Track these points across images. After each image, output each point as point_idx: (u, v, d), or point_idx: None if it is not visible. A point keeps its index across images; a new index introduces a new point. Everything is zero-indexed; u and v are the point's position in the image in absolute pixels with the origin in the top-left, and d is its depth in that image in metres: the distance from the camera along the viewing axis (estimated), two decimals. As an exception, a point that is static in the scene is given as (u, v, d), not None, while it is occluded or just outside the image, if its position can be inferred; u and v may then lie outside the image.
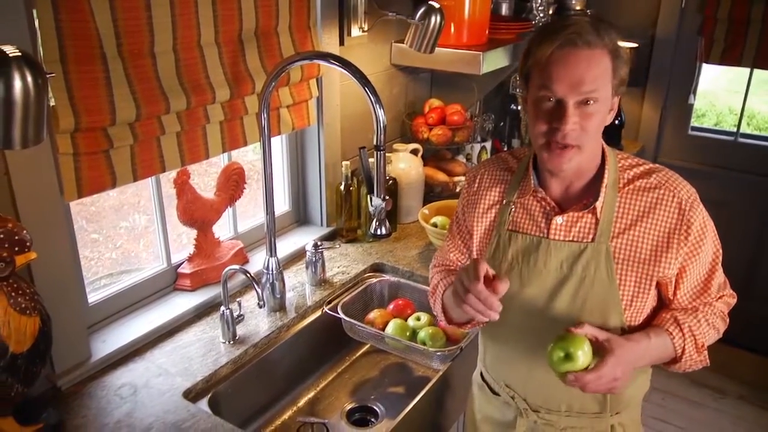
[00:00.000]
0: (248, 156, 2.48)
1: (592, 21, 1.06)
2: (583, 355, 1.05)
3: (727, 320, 1.23)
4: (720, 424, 2.73)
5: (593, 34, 1.03)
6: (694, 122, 3.06)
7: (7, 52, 0.85)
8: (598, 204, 1.12)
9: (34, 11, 1.15)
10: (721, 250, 1.18)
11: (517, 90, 2.69)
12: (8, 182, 1.15)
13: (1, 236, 1.05)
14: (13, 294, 1.06)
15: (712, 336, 1.19)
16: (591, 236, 1.13)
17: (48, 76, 0.90)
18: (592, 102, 1.05)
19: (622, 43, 1.09)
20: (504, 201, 1.22)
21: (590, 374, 1.05)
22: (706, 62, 2.83)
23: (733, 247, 1.17)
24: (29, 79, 0.87)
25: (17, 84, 0.86)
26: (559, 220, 1.15)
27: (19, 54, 0.86)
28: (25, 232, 1.07)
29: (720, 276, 1.20)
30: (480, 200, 1.25)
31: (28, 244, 1.08)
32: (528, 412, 1.25)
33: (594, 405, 1.22)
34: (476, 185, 1.28)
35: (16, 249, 1.06)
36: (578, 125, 1.05)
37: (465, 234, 1.31)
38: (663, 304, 1.21)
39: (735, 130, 2.94)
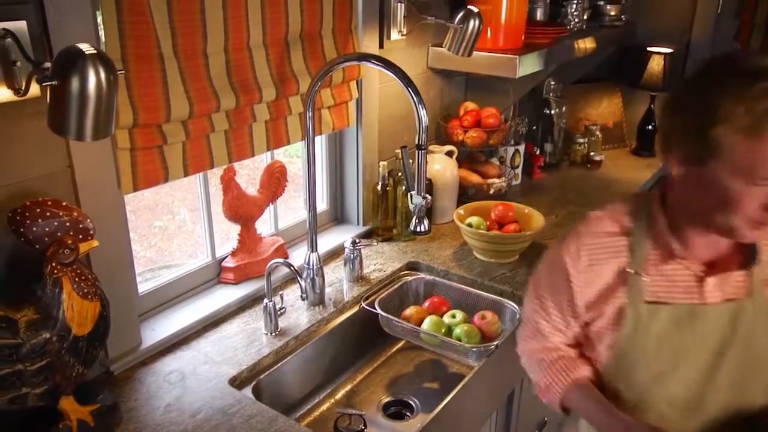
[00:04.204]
0: (278, 158, 2.52)
1: None
2: None
3: None
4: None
5: None
6: (728, 128, 3.05)
7: (84, 50, 0.91)
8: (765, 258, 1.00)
9: (98, 13, 1.21)
10: None
11: (551, 94, 2.72)
12: (71, 174, 1.22)
13: (68, 224, 1.11)
14: (76, 279, 1.12)
15: None
16: (746, 290, 1.02)
17: (119, 73, 0.96)
18: None
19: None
20: (631, 270, 1.05)
21: None
22: (742, 68, 2.82)
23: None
24: (102, 75, 0.92)
25: (92, 79, 0.91)
26: (711, 281, 1.02)
27: (95, 52, 0.92)
28: (88, 221, 1.14)
29: None
30: (597, 276, 1.08)
31: (91, 232, 1.14)
32: None
33: None
34: (586, 259, 1.09)
35: (80, 237, 1.12)
36: None
37: (570, 313, 1.14)
38: None
39: (771, 136, 2.92)
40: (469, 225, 1.91)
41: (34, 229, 1.08)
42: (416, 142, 1.39)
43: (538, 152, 2.70)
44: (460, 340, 1.58)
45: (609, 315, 1.07)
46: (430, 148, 2.16)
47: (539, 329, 1.20)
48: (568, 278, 1.10)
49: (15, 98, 1.06)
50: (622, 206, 1.11)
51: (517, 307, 1.64)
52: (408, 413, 1.58)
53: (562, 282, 1.12)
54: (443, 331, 1.62)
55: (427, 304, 1.73)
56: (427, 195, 1.47)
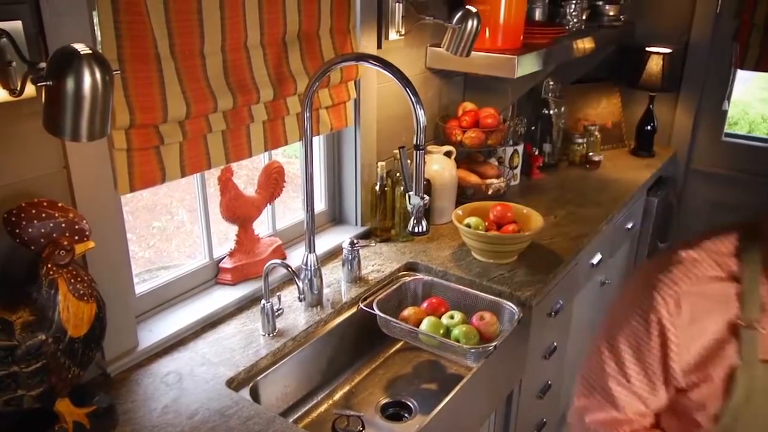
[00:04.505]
0: (277, 159, 2.52)
1: None
2: None
3: None
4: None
5: None
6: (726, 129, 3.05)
7: (79, 50, 0.91)
8: None
9: (95, 13, 1.21)
10: None
11: (549, 94, 2.71)
12: (68, 175, 1.21)
13: (63, 225, 1.10)
14: (72, 281, 1.11)
15: None
16: None
17: (114, 73, 0.95)
18: None
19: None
20: (742, 322, 0.89)
21: None
22: (741, 68, 2.82)
23: None
24: (98, 75, 0.92)
25: (87, 79, 0.91)
26: None
27: (90, 52, 0.91)
28: (84, 222, 1.13)
29: None
30: (701, 332, 0.90)
31: (87, 233, 1.13)
32: None
33: None
34: (688, 312, 0.90)
35: (76, 238, 1.12)
36: None
37: (662, 378, 0.96)
38: None
39: (770, 136, 2.92)
40: (468, 225, 1.91)
41: (30, 230, 1.08)
42: (414, 142, 1.39)
43: (536, 152, 2.69)
44: (458, 341, 1.58)
45: (717, 379, 0.90)
46: (429, 148, 2.15)
47: (611, 396, 1.00)
48: (663, 335, 0.92)
49: (10, 99, 1.05)
50: (722, 244, 0.93)
51: (515, 308, 1.63)
52: (406, 414, 1.58)
53: (653, 339, 0.93)
54: (441, 332, 1.62)
55: (425, 304, 1.72)
56: (425, 195, 1.46)
